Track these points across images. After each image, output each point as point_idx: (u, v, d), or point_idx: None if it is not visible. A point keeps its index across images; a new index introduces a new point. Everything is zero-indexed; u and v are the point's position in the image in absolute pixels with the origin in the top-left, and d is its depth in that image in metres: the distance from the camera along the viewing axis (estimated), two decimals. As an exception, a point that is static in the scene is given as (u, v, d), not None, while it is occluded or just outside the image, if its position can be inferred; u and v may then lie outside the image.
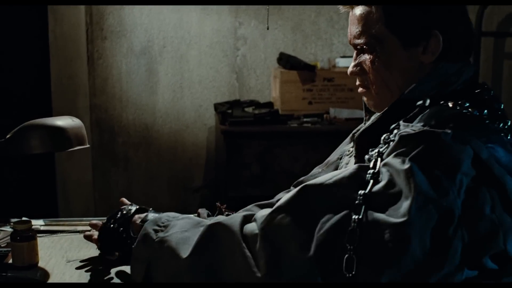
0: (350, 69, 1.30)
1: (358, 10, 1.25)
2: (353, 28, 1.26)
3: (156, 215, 1.29)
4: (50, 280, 1.33)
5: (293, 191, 1.08)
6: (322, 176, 1.11)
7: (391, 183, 1.01)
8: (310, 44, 3.73)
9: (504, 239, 1.01)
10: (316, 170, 1.57)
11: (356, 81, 1.32)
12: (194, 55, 3.68)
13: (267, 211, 1.10)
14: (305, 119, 3.29)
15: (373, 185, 1.02)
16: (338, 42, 3.73)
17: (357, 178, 1.05)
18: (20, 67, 3.22)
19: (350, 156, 1.43)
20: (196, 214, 1.55)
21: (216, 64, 3.70)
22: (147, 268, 1.18)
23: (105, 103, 3.67)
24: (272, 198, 1.63)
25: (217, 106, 3.54)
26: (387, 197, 1.00)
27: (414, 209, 0.96)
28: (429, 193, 0.98)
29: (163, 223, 1.22)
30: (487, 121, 1.12)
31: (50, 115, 3.22)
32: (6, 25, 3.13)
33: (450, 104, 1.13)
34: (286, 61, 3.42)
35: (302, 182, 1.56)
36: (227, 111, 3.39)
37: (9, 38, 3.15)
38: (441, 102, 1.15)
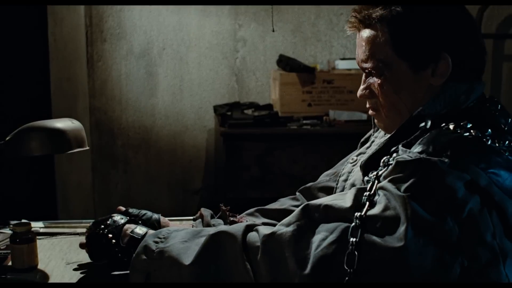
0: (359, 92, 1.29)
1: (365, 33, 1.23)
2: (361, 52, 1.25)
3: (145, 229, 1.29)
4: (50, 282, 1.33)
5: (296, 210, 1.10)
6: (325, 197, 1.14)
7: (388, 207, 1.02)
8: (309, 46, 3.73)
9: (504, 265, 1.01)
10: (323, 178, 1.56)
11: (365, 101, 1.31)
12: (194, 57, 3.68)
13: (270, 227, 1.11)
14: (304, 121, 3.29)
15: (369, 207, 1.04)
16: (338, 44, 3.73)
17: (354, 201, 1.06)
18: (19, 69, 3.21)
19: (354, 165, 1.43)
20: (198, 214, 1.55)
21: (215, 66, 3.70)
22: (147, 278, 1.18)
23: (104, 105, 3.67)
24: (272, 200, 1.62)
25: (216, 108, 3.54)
26: (384, 222, 1.01)
27: (410, 235, 0.97)
28: (425, 220, 0.99)
29: (163, 235, 1.21)
30: (489, 142, 1.09)
31: (50, 117, 3.22)
32: (6, 27, 3.12)
33: (451, 127, 1.11)
34: (285, 63, 3.42)
35: (309, 188, 1.56)
36: (226, 113, 3.39)
37: (9, 40, 3.14)
38: (443, 125, 1.13)
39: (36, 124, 1.39)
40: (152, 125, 3.72)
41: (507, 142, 1.12)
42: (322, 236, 1.03)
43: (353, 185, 1.37)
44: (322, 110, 3.38)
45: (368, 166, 1.18)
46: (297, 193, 1.61)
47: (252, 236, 1.11)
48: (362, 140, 1.49)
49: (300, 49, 3.72)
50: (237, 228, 1.14)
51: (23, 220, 1.60)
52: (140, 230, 1.29)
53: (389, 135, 1.23)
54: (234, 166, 3.24)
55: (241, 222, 1.43)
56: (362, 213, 1.02)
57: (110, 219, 1.35)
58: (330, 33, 3.72)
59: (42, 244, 1.54)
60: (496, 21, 3.76)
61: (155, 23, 3.63)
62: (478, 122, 1.12)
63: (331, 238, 1.02)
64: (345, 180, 1.43)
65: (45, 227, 1.70)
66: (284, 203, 1.59)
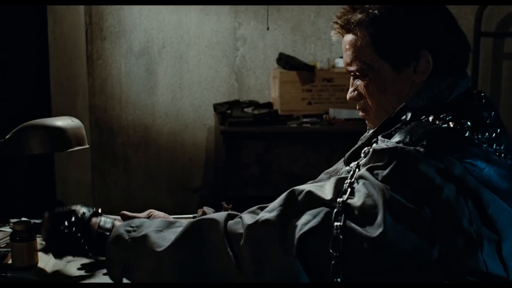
0: (348, 95, 1.33)
1: (347, 38, 1.29)
2: (345, 56, 1.30)
3: (110, 220, 1.26)
4: (50, 281, 1.33)
5: (281, 196, 1.14)
6: (311, 184, 1.17)
7: (366, 195, 1.06)
8: (309, 44, 3.73)
9: (482, 252, 1.03)
10: (323, 175, 1.58)
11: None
12: (194, 56, 3.68)
13: (254, 216, 1.14)
14: (304, 120, 3.29)
15: (350, 194, 1.08)
16: (338, 42, 3.70)
17: (335, 189, 1.10)
18: (19, 68, 3.22)
19: None
20: (200, 213, 1.55)
21: (215, 65, 3.70)
22: (125, 269, 1.16)
23: (104, 103, 3.67)
24: (271, 198, 1.61)
25: (216, 107, 3.54)
26: (364, 210, 1.05)
27: (389, 221, 1.01)
28: (403, 206, 1.02)
29: (135, 224, 1.20)
30: (467, 134, 1.12)
31: (50, 115, 3.22)
32: (5, 26, 3.12)
33: (430, 119, 1.15)
34: (285, 61, 3.42)
35: None
36: (226, 111, 3.39)
37: (8, 38, 3.14)
38: (422, 117, 1.16)
39: (36, 122, 1.39)
40: (152, 124, 3.72)
41: (487, 134, 1.14)
42: (305, 220, 1.07)
43: None
44: (322, 109, 3.38)
45: (351, 161, 1.21)
46: None
47: (234, 223, 1.13)
48: (361, 138, 1.50)
49: (300, 47, 3.71)
50: (219, 215, 1.16)
51: (23, 219, 1.60)
52: (107, 223, 1.24)
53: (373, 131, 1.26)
54: (234, 164, 3.24)
55: None
56: (344, 199, 1.07)
57: (73, 215, 1.25)
58: (330, 31, 3.69)
59: (42, 243, 1.54)
60: (495, 20, 3.76)
61: (154, 22, 3.63)
62: (459, 115, 1.15)
63: (314, 222, 1.06)
64: None
65: (45, 225, 1.69)
66: None
